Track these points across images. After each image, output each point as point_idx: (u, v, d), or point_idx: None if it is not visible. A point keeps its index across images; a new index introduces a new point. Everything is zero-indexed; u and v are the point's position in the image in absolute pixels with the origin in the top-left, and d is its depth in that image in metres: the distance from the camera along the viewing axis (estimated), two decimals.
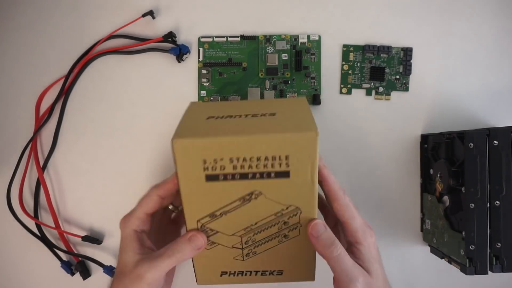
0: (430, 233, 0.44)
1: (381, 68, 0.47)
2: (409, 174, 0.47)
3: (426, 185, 0.46)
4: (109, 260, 0.47)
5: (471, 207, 0.36)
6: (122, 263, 0.37)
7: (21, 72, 0.48)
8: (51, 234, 0.47)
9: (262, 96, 0.46)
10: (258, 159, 0.31)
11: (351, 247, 0.36)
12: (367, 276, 0.34)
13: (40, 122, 0.47)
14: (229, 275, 0.37)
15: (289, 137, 0.30)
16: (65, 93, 0.47)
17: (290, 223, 0.34)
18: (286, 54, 0.47)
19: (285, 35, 0.47)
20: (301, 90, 0.47)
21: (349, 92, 0.47)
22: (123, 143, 0.47)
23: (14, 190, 0.46)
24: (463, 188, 0.37)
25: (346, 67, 0.47)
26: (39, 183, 0.47)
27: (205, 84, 0.47)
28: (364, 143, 0.47)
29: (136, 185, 0.47)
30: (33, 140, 0.47)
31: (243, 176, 0.31)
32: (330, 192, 0.35)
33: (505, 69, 0.47)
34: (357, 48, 0.47)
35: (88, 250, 0.47)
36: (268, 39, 0.47)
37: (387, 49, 0.46)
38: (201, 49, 0.47)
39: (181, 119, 0.34)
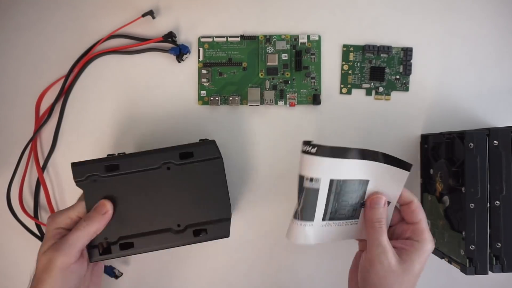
0: None
1: (381, 68, 0.47)
2: (409, 174, 0.47)
3: (426, 185, 0.46)
4: (109, 260, 0.47)
5: (471, 207, 0.36)
6: (37, 257, 0.37)
7: (21, 72, 0.48)
8: None
9: (262, 96, 0.46)
10: None
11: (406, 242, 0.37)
12: (398, 261, 0.35)
13: (40, 122, 0.47)
14: None
15: None
16: (65, 93, 0.47)
17: None
18: (286, 54, 0.47)
19: (285, 35, 0.47)
20: (301, 90, 0.47)
21: (349, 92, 0.47)
22: (123, 143, 0.47)
23: (14, 190, 0.46)
24: (463, 188, 0.37)
25: (346, 67, 0.47)
26: (39, 183, 0.47)
27: (205, 84, 0.47)
28: (364, 143, 0.47)
29: None
30: (33, 140, 0.46)
31: None
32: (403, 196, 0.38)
33: (505, 69, 0.47)
34: (357, 48, 0.47)
35: None
36: (268, 39, 0.47)
37: (387, 49, 0.46)
38: (201, 49, 0.47)
39: None
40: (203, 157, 0.40)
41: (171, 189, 0.39)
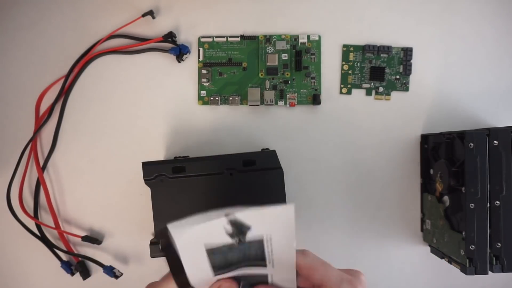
0: (430, 233, 0.44)
1: (381, 68, 0.47)
2: (409, 174, 0.47)
3: (426, 185, 0.46)
4: (109, 260, 0.47)
5: (471, 207, 0.36)
6: None
7: (21, 72, 0.48)
8: (51, 234, 0.47)
9: (262, 96, 0.46)
10: None
11: None
12: None
13: (40, 122, 0.47)
14: None
15: None
16: (65, 93, 0.47)
17: None
18: (286, 54, 0.47)
19: (285, 35, 0.47)
20: (301, 90, 0.47)
21: (349, 92, 0.47)
22: (123, 143, 0.47)
23: (14, 190, 0.46)
24: (463, 188, 0.37)
25: (346, 67, 0.47)
26: (39, 183, 0.47)
27: (205, 84, 0.47)
28: (364, 143, 0.47)
29: (136, 185, 0.47)
30: (33, 140, 0.46)
31: None
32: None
33: (505, 69, 0.47)
34: (357, 48, 0.47)
35: (88, 250, 0.47)
36: (268, 39, 0.47)
37: (387, 49, 0.46)
38: (201, 49, 0.47)
39: None
40: (264, 166, 0.40)
41: (232, 195, 0.40)
